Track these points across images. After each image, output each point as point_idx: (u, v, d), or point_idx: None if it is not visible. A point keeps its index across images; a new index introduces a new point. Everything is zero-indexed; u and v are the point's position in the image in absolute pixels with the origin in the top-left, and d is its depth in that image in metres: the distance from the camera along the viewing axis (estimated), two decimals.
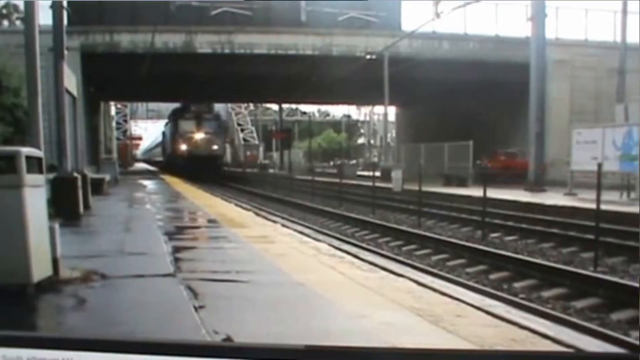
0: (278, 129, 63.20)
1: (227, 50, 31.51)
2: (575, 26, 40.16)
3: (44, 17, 13.08)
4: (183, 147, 40.36)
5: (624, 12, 24.39)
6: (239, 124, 76.37)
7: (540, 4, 25.42)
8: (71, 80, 14.32)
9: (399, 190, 24.38)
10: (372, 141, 79.20)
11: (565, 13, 33.46)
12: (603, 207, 10.96)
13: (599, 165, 11.52)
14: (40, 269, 5.37)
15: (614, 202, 15.21)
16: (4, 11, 40.69)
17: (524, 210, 15.99)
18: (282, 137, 60.76)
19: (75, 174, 12.73)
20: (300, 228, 12.44)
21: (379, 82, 30.97)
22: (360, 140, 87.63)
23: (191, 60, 31.44)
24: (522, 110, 27.24)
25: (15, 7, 38.87)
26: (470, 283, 8.56)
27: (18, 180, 5.22)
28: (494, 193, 15.80)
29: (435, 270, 9.42)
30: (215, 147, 40.97)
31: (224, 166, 47.13)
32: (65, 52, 13.41)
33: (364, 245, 12.16)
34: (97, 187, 17.19)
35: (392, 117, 49.70)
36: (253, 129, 76.27)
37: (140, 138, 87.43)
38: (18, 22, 35.87)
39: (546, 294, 8.28)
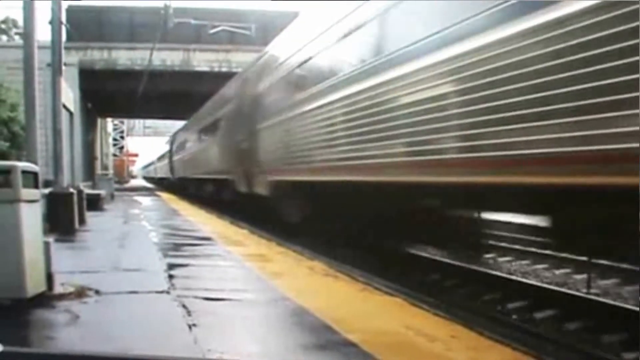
0: None
1: (224, 69, 31.64)
2: None
3: (42, 33, 13.17)
4: None
5: None
6: None
7: None
8: (68, 96, 14.37)
9: None
10: None
11: None
12: None
13: None
14: (34, 284, 5.37)
15: None
16: (3, 26, 40.88)
17: None
18: None
19: (71, 190, 12.74)
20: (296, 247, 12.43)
21: None
22: None
23: (188, 78, 31.56)
24: None
25: (14, 22, 39.10)
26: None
27: (14, 195, 5.23)
28: None
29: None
30: None
31: None
32: (63, 67, 13.45)
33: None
34: (93, 202, 17.17)
35: None
36: None
37: (136, 155, 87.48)
38: (17, 37, 36.06)
39: None
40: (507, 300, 9.18)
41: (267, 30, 31.42)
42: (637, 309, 7.76)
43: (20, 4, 10.61)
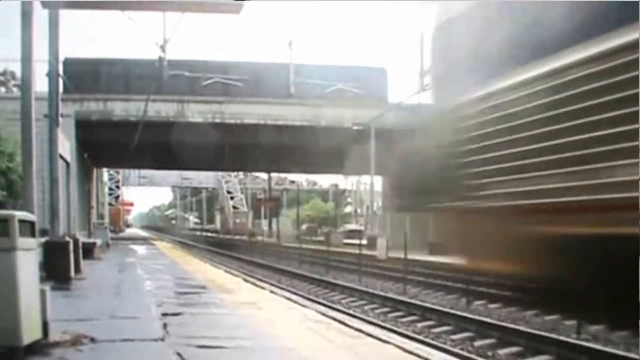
0: (267, 197, 64.08)
1: (217, 120, 31.99)
2: None
3: (40, 85, 13.39)
4: None
5: None
6: (228, 192, 77.78)
7: None
8: (65, 146, 14.55)
9: (383, 258, 24.67)
10: (359, 210, 77.36)
11: None
12: None
13: None
14: (30, 332, 5.42)
15: None
16: (2, 78, 41.27)
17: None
18: (270, 205, 61.97)
19: (67, 238, 12.82)
20: (288, 294, 12.49)
21: (366, 153, 31.50)
22: (347, 209, 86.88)
23: (183, 129, 31.81)
24: None
25: (13, 74, 39.44)
26: (456, 350, 8.62)
27: (10, 244, 5.30)
28: None
29: (421, 337, 9.49)
30: None
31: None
32: (60, 118, 13.66)
33: (350, 311, 12.23)
34: (89, 251, 17.23)
35: (378, 186, 48.29)
36: (242, 196, 77.15)
37: (132, 204, 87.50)
38: (15, 89, 36.34)
39: None
40: (498, 346, 9.25)
41: (259, 82, 31.99)
42: (627, 354, 7.85)
43: (19, 56, 10.83)
